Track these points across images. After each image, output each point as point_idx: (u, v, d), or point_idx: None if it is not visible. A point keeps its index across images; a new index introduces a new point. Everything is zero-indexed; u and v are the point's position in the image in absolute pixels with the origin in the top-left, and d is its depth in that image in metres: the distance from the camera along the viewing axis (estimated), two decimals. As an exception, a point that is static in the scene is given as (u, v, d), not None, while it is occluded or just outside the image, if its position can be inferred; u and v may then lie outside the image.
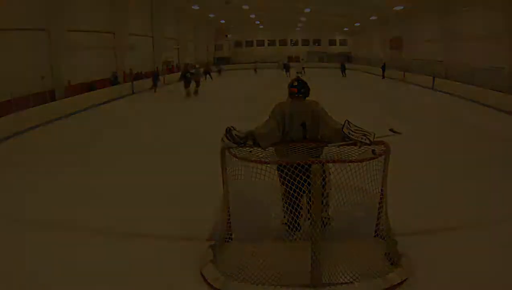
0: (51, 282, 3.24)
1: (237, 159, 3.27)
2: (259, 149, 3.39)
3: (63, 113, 12.35)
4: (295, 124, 3.55)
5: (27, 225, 4.38)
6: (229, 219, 3.69)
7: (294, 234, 3.51)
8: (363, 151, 3.34)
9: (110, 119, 11.53)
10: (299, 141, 3.53)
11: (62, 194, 5.37)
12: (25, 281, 3.28)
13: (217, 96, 16.96)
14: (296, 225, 3.52)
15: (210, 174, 5.36)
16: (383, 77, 24.94)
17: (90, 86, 15.74)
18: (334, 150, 3.42)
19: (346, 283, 3.02)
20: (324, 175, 3.31)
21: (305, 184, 3.14)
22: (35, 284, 3.22)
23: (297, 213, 3.45)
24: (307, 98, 3.70)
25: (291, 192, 3.28)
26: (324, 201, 3.50)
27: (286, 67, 27.35)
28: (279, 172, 3.47)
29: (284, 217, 3.74)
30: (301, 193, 3.29)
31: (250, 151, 3.38)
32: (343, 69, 27.39)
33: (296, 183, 3.19)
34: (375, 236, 3.76)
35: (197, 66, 22.43)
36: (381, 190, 3.57)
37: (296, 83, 3.64)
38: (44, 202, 5.09)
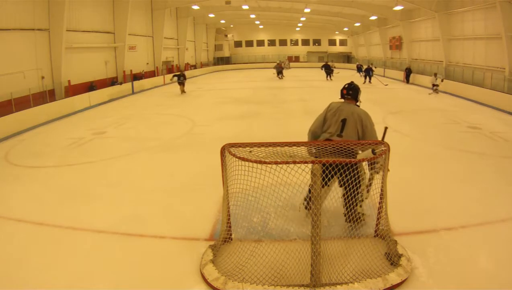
0: (51, 282, 3.24)
1: (237, 159, 3.28)
2: (260, 149, 3.41)
3: (63, 113, 12.37)
4: (336, 119, 3.94)
5: (28, 225, 4.39)
6: (229, 219, 3.70)
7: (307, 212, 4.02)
8: (363, 150, 3.39)
9: (111, 119, 11.52)
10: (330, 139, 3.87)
11: (62, 193, 5.37)
12: (25, 280, 3.28)
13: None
14: (309, 207, 3.88)
15: (210, 173, 5.39)
16: (407, 82, 21.66)
17: (89, 87, 15.76)
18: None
19: (346, 283, 3.02)
20: (353, 172, 3.48)
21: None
22: (35, 284, 3.22)
23: (307, 198, 4.08)
24: (359, 106, 4.15)
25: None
26: (353, 196, 3.61)
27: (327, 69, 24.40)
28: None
29: (305, 199, 4.20)
30: (323, 184, 3.49)
31: (250, 151, 3.39)
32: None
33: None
34: (375, 236, 3.76)
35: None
36: (381, 190, 3.58)
37: (346, 86, 4.16)
38: (44, 201, 5.08)
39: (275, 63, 27.65)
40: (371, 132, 3.93)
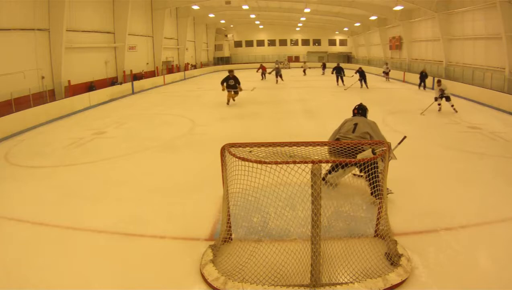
0: (51, 282, 3.24)
1: (237, 159, 3.28)
2: (260, 149, 3.42)
3: (63, 113, 12.37)
4: (349, 123, 4.93)
5: (28, 225, 4.38)
6: (229, 219, 3.70)
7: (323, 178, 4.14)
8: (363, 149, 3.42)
9: (111, 119, 11.52)
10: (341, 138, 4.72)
11: (62, 193, 5.37)
12: (25, 280, 3.28)
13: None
14: (325, 174, 4.55)
15: (210, 174, 5.39)
16: (420, 87, 18.02)
17: (89, 87, 15.76)
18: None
19: (346, 283, 3.02)
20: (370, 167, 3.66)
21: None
22: (35, 284, 3.22)
23: (327, 171, 4.67)
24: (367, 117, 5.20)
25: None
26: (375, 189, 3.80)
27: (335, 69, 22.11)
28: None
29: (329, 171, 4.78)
30: (340, 167, 4.41)
31: (250, 151, 3.39)
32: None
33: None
34: (375, 236, 3.77)
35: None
36: (381, 190, 3.59)
37: (357, 106, 5.31)
38: (44, 201, 5.08)
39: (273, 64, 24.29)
40: (380, 137, 4.70)
